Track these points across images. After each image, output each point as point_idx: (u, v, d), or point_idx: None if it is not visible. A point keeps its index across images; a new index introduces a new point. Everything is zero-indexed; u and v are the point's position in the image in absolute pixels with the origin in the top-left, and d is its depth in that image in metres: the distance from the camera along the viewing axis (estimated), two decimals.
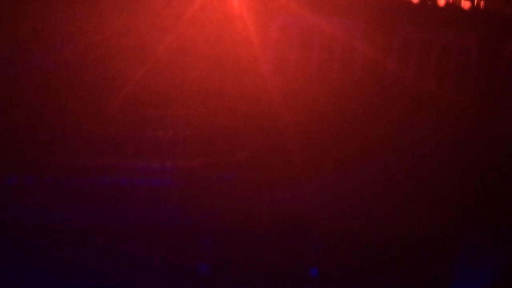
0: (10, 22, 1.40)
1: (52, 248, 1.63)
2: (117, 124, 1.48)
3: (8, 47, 1.43)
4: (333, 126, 1.52)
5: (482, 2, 1.78)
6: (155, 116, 1.48)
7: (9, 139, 1.47)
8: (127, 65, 1.40)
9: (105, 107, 1.42)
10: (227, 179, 1.53)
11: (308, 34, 1.35)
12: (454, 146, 1.67)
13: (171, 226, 1.69)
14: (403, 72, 1.43)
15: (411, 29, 1.43)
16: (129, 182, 1.56)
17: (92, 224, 1.62)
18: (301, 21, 1.34)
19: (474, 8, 1.50)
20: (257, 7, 1.35)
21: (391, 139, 1.62)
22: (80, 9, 1.35)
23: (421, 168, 1.68)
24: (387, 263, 1.81)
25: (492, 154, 1.70)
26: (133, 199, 1.60)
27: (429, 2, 1.43)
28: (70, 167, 1.50)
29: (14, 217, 1.60)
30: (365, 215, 1.68)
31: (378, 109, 1.53)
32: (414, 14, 1.45)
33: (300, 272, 1.86)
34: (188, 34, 1.33)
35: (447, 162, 1.68)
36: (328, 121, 1.50)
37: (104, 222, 1.64)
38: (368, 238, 1.74)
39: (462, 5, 1.43)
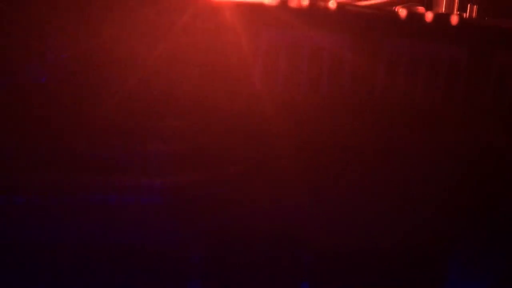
0: (2, 31, 1.40)
1: (43, 266, 1.62)
2: (107, 137, 1.46)
3: (3, 58, 1.43)
4: (327, 137, 1.53)
5: (471, 14, 1.82)
6: (146, 128, 1.47)
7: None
8: (118, 75, 1.40)
9: (95, 118, 1.40)
10: (219, 193, 1.53)
11: (299, 45, 1.36)
12: (445, 156, 1.69)
13: (162, 243, 1.68)
14: (393, 85, 1.44)
15: (400, 42, 1.44)
16: (119, 198, 1.54)
17: (82, 241, 1.61)
18: (293, 32, 1.35)
19: (463, 21, 1.53)
20: (249, 17, 1.35)
21: (383, 150, 1.64)
22: (70, 18, 1.35)
23: (414, 177, 1.70)
24: (382, 269, 1.83)
25: (483, 163, 1.72)
26: (123, 216, 1.58)
27: (418, 16, 1.46)
28: (57, 183, 1.48)
29: (7, 235, 1.59)
30: (360, 226, 1.69)
31: (370, 121, 1.54)
32: (403, 27, 1.47)
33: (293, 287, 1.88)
34: (180, 44, 1.33)
35: (438, 171, 1.71)
36: (322, 133, 1.51)
37: (94, 240, 1.63)
38: (364, 249, 1.75)
39: (451, 18, 1.46)
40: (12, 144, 1.53)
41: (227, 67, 1.49)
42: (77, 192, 1.57)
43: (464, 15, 1.78)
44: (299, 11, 1.40)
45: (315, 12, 1.40)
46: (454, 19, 1.39)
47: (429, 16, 1.36)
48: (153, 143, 1.56)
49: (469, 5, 1.83)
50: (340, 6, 1.36)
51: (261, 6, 1.45)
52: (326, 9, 1.38)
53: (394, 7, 1.78)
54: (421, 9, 1.81)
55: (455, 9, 1.83)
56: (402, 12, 1.36)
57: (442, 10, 1.83)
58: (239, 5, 1.42)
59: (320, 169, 1.62)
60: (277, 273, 1.73)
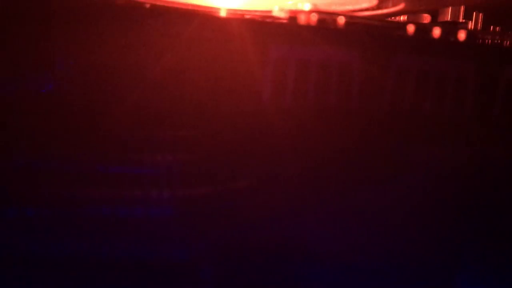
0: (10, 42, 1.39)
1: (53, 279, 1.61)
2: (115, 148, 1.45)
3: (7, 67, 1.41)
4: (336, 150, 1.52)
5: (476, 22, 1.81)
6: (154, 138, 1.46)
7: (5, 164, 1.44)
8: (126, 86, 1.39)
9: (102, 129, 1.39)
10: (228, 207, 1.52)
11: (307, 58, 1.35)
12: (454, 167, 1.69)
13: (173, 256, 1.68)
14: (401, 101, 1.44)
15: (407, 58, 1.44)
16: (127, 211, 1.53)
17: (90, 256, 1.61)
18: (300, 44, 1.34)
19: (470, 38, 1.53)
20: (257, 28, 1.34)
21: (393, 162, 1.63)
22: (79, 29, 1.33)
23: (423, 189, 1.70)
24: (393, 274, 1.83)
25: (491, 175, 1.72)
26: (132, 229, 1.58)
27: (425, 33, 1.46)
28: (64, 197, 1.46)
29: (13, 250, 1.57)
30: (371, 234, 1.70)
31: (379, 135, 1.54)
32: (410, 44, 1.47)
33: None
34: (188, 56, 1.32)
35: (446, 183, 1.71)
36: (331, 146, 1.51)
37: (104, 253, 1.62)
38: (375, 256, 1.75)
39: (458, 36, 1.46)
40: (25, 156, 1.53)
41: (236, 80, 1.49)
42: (86, 205, 1.57)
43: (470, 23, 1.78)
44: (308, 26, 1.40)
45: (324, 26, 1.40)
46: (462, 35, 1.40)
47: (436, 32, 1.36)
48: (161, 155, 1.56)
49: (474, 13, 1.83)
50: (348, 20, 1.36)
51: (270, 21, 1.45)
52: (334, 23, 1.38)
53: (401, 16, 1.78)
54: (426, 17, 1.81)
55: (461, 17, 1.83)
56: (410, 27, 1.36)
57: (448, 18, 1.83)
58: (248, 20, 1.43)
59: (330, 180, 1.63)
60: (289, 284, 1.74)
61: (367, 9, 1.68)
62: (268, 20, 1.41)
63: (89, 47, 1.49)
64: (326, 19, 1.36)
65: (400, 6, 1.72)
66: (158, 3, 1.46)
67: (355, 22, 1.38)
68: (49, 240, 1.58)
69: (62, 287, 1.64)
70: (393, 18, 1.84)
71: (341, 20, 1.30)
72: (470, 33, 1.48)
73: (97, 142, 1.55)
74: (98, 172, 1.54)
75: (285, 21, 1.39)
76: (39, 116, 1.55)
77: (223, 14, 1.40)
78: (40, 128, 1.56)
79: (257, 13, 1.45)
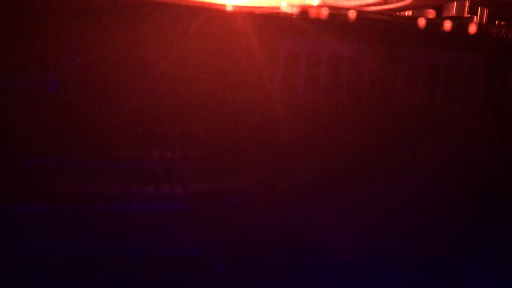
0: (16, 39, 1.37)
1: (65, 276, 1.59)
2: (122, 144, 1.43)
3: (13, 64, 1.40)
4: (345, 145, 1.51)
5: (481, 17, 1.81)
6: (162, 134, 1.44)
7: (9, 161, 1.43)
8: (132, 82, 1.37)
9: (110, 125, 1.37)
10: (237, 203, 1.50)
11: (315, 53, 1.34)
12: (464, 162, 1.68)
13: (181, 253, 1.66)
14: (410, 95, 1.43)
15: (418, 51, 1.42)
16: (135, 207, 1.51)
17: (99, 253, 1.59)
18: (308, 40, 1.33)
19: (481, 31, 1.52)
20: (263, 23, 1.33)
21: (402, 157, 1.62)
22: (84, 25, 1.32)
23: (431, 184, 1.69)
24: (403, 272, 1.82)
25: (500, 170, 1.71)
26: (140, 225, 1.56)
27: (436, 25, 1.45)
28: (72, 193, 1.44)
29: (17, 245, 1.55)
30: (379, 230, 1.69)
31: (388, 129, 1.53)
32: (421, 37, 1.45)
33: None
34: (196, 51, 1.30)
35: (456, 177, 1.70)
36: (340, 141, 1.49)
37: (112, 251, 1.60)
38: (383, 252, 1.75)
39: (469, 28, 1.45)
40: (38, 152, 1.52)
41: (245, 76, 1.48)
42: (97, 201, 1.56)
43: (475, 18, 1.77)
44: (317, 21, 1.39)
45: (333, 21, 1.39)
46: (473, 29, 1.39)
47: (447, 26, 1.36)
48: (170, 151, 1.55)
49: (479, 8, 1.83)
50: (358, 15, 1.35)
51: (278, 16, 1.44)
52: (344, 17, 1.37)
53: (406, 12, 1.77)
54: (431, 12, 1.80)
55: (466, 12, 1.83)
56: (421, 21, 1.35)
57: (453, 13, 1.82)
58: (256, 15, 1.42)
59: (340, 176, 1.62)
60: (299, 280, 1.74)
61: (374, 4, 1.67)
62: (276, 15, 1.40)
63: (96, 43, 1.48)
64: (336, 14, 1.35)
65: (407, 1, 1.71)
66: None
67: (365, 17, 1.37)
68: (61, 238, 1.57)
69: (73, 284, 1.63)
70: (398, 13, 1.83)
71: (352, 14, 1.29)
72: (480, 27, 1.48)
73: (105, 139, 1.54)
74: (107, 168, 1.53)
75: (293, 16, 1.38)
76: (46, 114, 1.54)
77: (231, 9, 1.39)
78: (47, 125, 1.54)
79: (265, 9, 1.44)
